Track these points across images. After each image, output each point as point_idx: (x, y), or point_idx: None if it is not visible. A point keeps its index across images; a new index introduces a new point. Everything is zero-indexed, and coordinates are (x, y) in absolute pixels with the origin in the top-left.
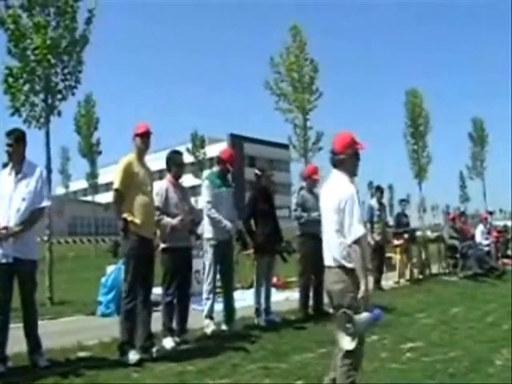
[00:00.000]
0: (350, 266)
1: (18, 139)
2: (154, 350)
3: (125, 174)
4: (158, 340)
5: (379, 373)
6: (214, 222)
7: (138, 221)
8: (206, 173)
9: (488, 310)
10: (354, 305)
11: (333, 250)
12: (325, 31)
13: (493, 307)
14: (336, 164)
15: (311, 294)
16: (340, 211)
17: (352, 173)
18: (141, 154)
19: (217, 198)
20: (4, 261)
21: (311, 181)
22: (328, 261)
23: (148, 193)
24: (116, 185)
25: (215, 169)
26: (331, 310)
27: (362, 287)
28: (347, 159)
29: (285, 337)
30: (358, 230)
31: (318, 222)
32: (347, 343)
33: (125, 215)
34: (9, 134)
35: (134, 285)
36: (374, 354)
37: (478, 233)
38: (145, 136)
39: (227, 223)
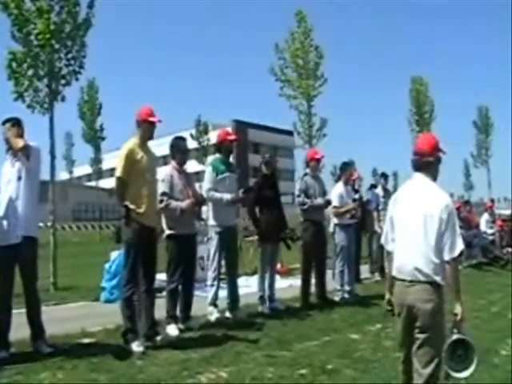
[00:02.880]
0: (443, 283)
1: (13, 125)
2: (158, 338)
3: (127, 161)
4: (161, 327)
5: (383, 362)
6: (217, 206)
7: (140, 209)
8: (210, 158)
9: (493, 300)
10: (442, 327)
11: (423, 263)
12: (330, 17)
13: (497, 297)
14: (421, 167)
15: (314, 282)
16: (442, 222)
17: (435, 178)
18: (144, 139)
19: (220, 184)
20: (10, 242)
21: (314, 162)
22: (412, 274)
23: (151, 180)
24: (118, 172)
25: (218, 155)
26: (417, 332)
27: (460, 308)
28: (434, 162)
29: (289, 325)
30: (460, 244)
31: (320, 209)
32: (458, 373)
33: (126, 203)
34: (4, 122)
35: (133, 273)
36: (377, 343)
37: (483, 222)
38: (154, 124)
39: (227, 196)
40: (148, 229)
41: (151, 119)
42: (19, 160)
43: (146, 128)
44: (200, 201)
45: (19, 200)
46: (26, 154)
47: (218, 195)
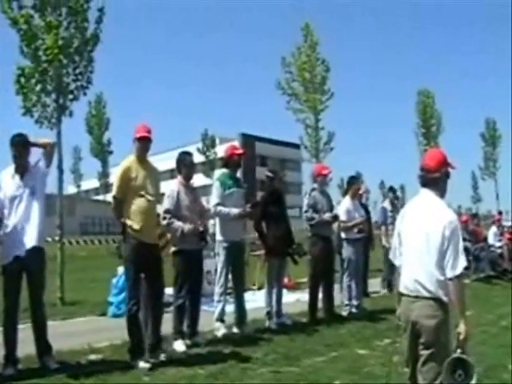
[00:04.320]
0: (446, 299)
1: (24, 145)
2: (163, 355)
3: (122, 181)
4: (168, 343)
5: (392, 377)
6: (224, 221)
7: (136, 226)
8: (217, 173)
9: (501, 314)
10: (447, 344)
11: (426, 279)
12: (336, 31)
13: (506, 311)
14: (428, 183)
15: (321, 297)
16: (445, 239)
17: (442, 194)
18: (140, 155)
19: (227, 199)
20: (17, 253)
21: (322, 178)
22: (416, 290)
23: (148, 196)
24: (114, 192)
25: (226, 170)
26: (421, 348)
27: (464, 326)
28: (441, 178)
29: (296, 340)
30: (462, 262)
31: (328, 224)
32: None
33: (123, 220)
34: (14, 143)
35: (135, 289)
36: (386, 358)
37: (491, 234)
38: (144, 140)
39: (235, 211)
40: (145, 245)
41: (139, 135)
42: (33, 174)
43: (139, 145)
44: (206, 226)
45: (32, 214)
46: (50, 152)
47: (225, 210)
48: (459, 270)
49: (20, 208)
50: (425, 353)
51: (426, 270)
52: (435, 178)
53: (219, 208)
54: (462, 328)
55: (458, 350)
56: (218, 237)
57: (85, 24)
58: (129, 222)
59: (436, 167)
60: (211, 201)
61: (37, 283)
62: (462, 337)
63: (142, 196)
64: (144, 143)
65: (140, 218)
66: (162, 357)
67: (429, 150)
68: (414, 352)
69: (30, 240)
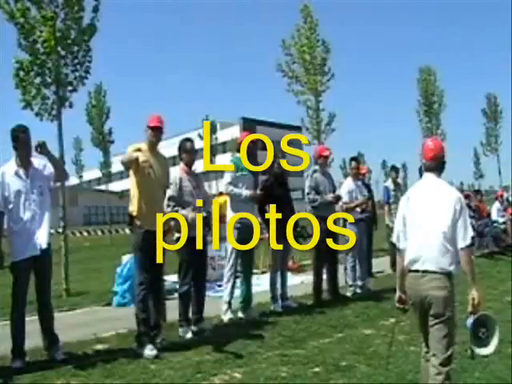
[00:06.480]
0: (453, 271)
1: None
2: (159, 340)
3: (131, 153)
4: (174, 330)
5: (397, 356)
6: (236, 201)
7: (140, 214)
8: (232, 156)
9: (506, 289)
10: (454, 316)
11: (436, 253)
12: (335, 10)
13: (510, 286)
14: (435, 168)
15: (326, 278)
16: (456, 213)
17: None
18: (151, 145)
19: (238, 180)
20: (32, 254)
21: (322, 159)
22: (425, 265)
23: (153, 184)
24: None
25: (240, 154)
26: (431, 320)
27: (476, 292)
28: (445, 162)
29: (301, 322)
30: (470, 232)
31: (331, 205)
32: (484, 349)
33: (130, 209)
34: (14, 136)
35: (143, 276)
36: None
37: (494, 210)
38: (156, 130)
39: (246, 192)
40: (151, 233)
41: (152, 124)
42: (40, 176)
43: (152, 135)
44: (207, 216)
45: (43, 213)
46: (60, 176)
47: (237, 190)
48: (469, 239)
49: (31, 207)
50: (435, 324)
51: (437, 245)
52: (442, 163)
53: (231, 187)
54: (474, 294)
55: (473, 315)
56: (230, 216)
57: (80, 13)
58: (135, 212)
59: (443, 154)
60: (223, 180)
61: (46, 277)
62: (476, 301)
63: (148, 184)
64: (156, 133)
65: (144, 206)
66: (159, 341)
67: (432, 141)
68: (426, 326)
69: (43, 239)
